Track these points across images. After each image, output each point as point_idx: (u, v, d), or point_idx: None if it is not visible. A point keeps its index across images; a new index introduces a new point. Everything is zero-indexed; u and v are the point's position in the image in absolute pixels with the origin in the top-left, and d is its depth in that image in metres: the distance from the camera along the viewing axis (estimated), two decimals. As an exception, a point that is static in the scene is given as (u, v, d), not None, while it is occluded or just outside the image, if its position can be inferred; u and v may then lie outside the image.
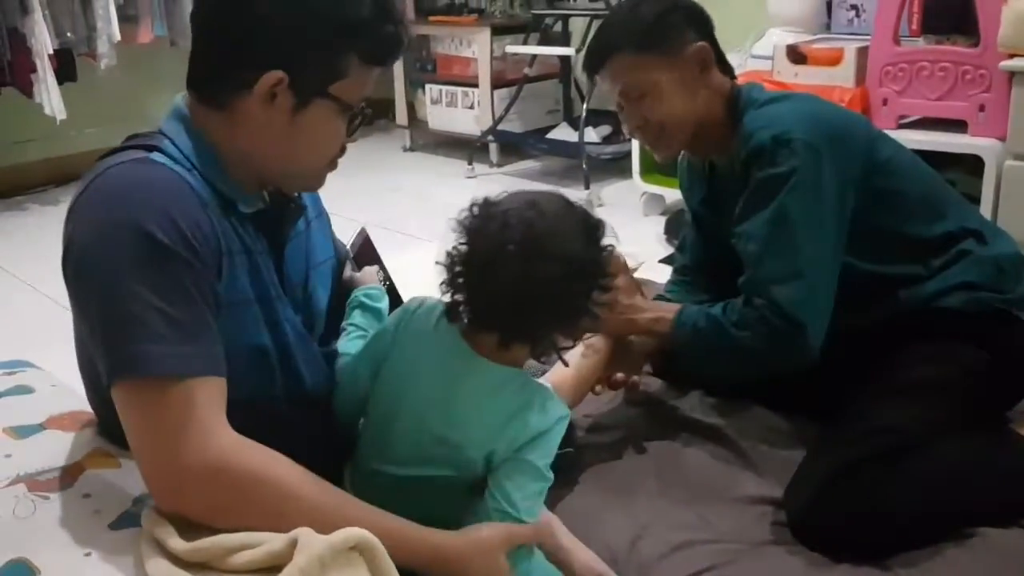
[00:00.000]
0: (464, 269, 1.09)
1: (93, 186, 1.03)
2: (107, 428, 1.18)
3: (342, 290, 1.36)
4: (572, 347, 1.14)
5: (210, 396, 0.98)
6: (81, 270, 1.01)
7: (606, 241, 1.12)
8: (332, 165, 1.18)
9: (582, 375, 1.55)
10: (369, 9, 1.08)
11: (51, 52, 3.40)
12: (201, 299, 1.00)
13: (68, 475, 1.09)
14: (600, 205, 3.50)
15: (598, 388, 1.63)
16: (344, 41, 1.08)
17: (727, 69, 1.59)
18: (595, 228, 1.11)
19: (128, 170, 1.04)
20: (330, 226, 1.39)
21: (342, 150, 1.17)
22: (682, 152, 1.73)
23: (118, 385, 0.98)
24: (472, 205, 1.12)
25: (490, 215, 1.09)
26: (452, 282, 1.10)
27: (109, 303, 0.98)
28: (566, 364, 1.18)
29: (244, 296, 1.09)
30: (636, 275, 2.45)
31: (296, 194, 1.24)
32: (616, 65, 1.53)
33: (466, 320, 1.12)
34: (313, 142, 1.12)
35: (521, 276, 1.05)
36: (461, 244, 1.10)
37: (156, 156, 1.06)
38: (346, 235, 1.55)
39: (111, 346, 0.98)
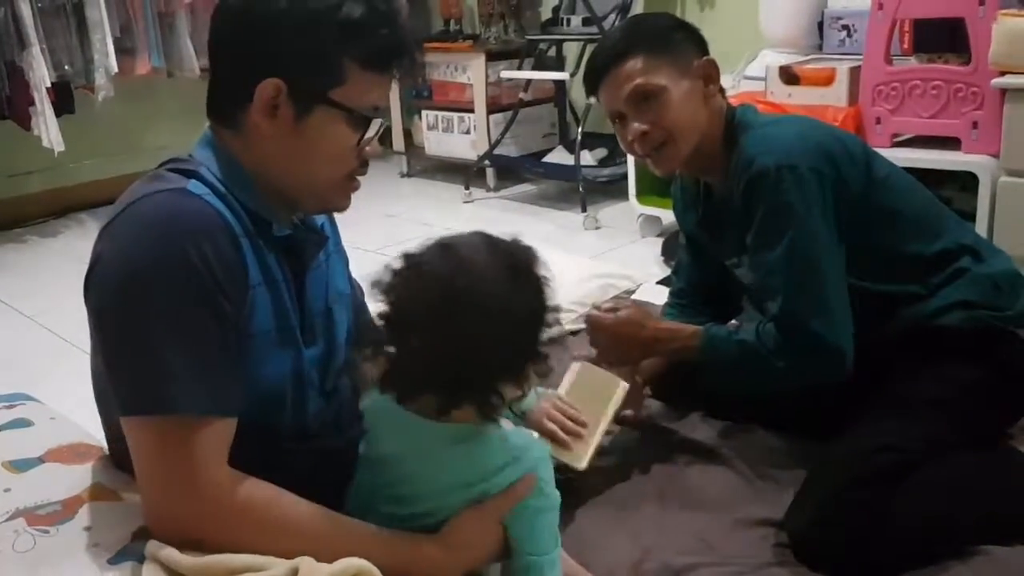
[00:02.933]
0: (388, 334, 1.02)
1: (129, 213, 1.03)
2: (119, 460, 1.18)
3: (359, 327, 1.33)
4: (522, 397, 1.07)
5: (215, 436, 1.00)
6: (105, 298, 1.02)
7: (542, 274, 1.04)
8: (352, 181, 1.16)
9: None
10: (362, 12, 1.07)
11: (49, 85, 3.42)
12: (223, 338, 1.01)
13: (68, 509, 1.09)
14: (597, 227, 3.51)
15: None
16: (337, 45, 1.07)
17: (721, 90, 1.60)
18: (525, 265, 1.04)
19: (165, 201, 1.03)
20: (347, 264, 1.37)
21: (364, 164, 1.15)
22: (676, 174, 1.73)
23: (130, 419, 1.00)
24: (390, 264, 1.04)
25: (407, 274, 1.03)
26: (377, 349, 1.04)
27: (131, 336, 0.99)
28: (520, 416, 1.11)
29: (266, 327, 1.09)
30: (634, 296, 2.47)
31: (318, 222, 1.25)
32: (627, 69, 1.53)
33: (399, 387, 1.05)
34: (321, 151, 1.11)
35: (449, 336, 0.98)
36: (382, 308, 1.03)
37: (193, 186, 1.06)
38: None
39: (128, 379, 1.00)
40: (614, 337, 1.60)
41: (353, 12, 1.07)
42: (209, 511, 0.98)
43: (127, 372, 1.01)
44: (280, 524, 1.01)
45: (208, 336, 1.00)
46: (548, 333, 1.05)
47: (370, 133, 1.13)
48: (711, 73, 1.56)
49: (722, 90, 1.60)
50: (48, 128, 3.44)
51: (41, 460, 1.21)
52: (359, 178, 1.17)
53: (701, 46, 1.58)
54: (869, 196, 1.50)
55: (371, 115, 1.12)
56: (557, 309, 1.06)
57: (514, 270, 1.02)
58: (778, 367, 1.47)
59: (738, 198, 1.50)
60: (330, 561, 0.95)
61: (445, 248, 1.03)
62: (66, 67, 3.55)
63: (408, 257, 1.04)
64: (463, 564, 1.07)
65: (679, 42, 1.56)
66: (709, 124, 1.55)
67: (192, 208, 1.03)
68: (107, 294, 1.02)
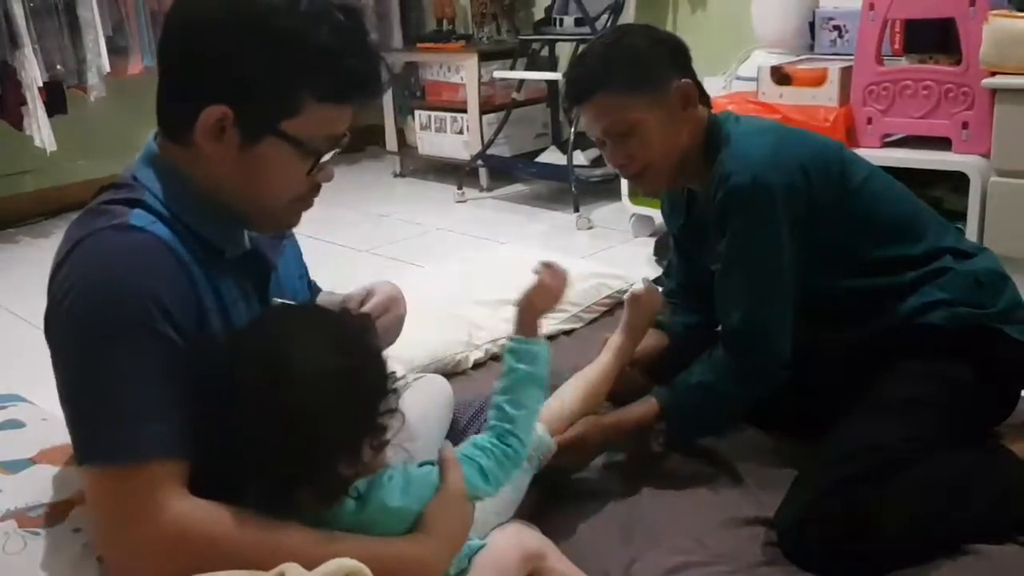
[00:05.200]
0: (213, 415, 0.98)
1: (75, 256, 1.00)
2: None
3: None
4: (357, 476, 1.03)
5: (168, 478, 0.96)
6: (55, 344, 1.00)
7: (371, 344, 1.04)
8: (305, 203, 1.13)
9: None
10: (327, 40, 1.01)
11: (41, 85, 3.42)
12: (175, 377, 0.98)
13: (58, 510, 1.09)
14: (590, 227, 3.52)
15: None
16: (293, 77, 1.01)
17: (705, 99, 1.59)
18: (352, 336, 1.03)
19: (108, 240, 1.00)
20: (301, 259, 1.36)
21: (316, 188, 1.12)
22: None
23: (83, 469, 0.98)
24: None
25: (233, 348, 1.01)
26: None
27: (80, 382, 0.98)
28: (351, 495, 1.03)
29: None
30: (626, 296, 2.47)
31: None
32: (601, 103, 1.52)
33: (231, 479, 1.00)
34: (267, 180, 1.07)
35: (274, 410, 0.95)
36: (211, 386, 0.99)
37: (137, 217, 1.02)
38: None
39: (79, 427, 0.98)
40: (575, 453, 1.55)
41: (318, 39, 1.01)
42: (172, 562, 0.94)
43: (77, 422, 0.99)
44: (257, 552, 0.96)
45: (161, 377, 0.97)
46: (386, 405, 1.03)
47: (323, 160, 1.09)
48: (688, 95, 1.53)
49: (705, 97, 1.59)
50: (40, 128, 3.44)
51: (32, 461, 1.21)
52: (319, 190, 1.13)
53: (680, 64, 1.55)
54: (844, 205, 1.51)
55: (323, 147, 1.07)
56: (392, 378, 1.04)
57: (339, 341, 1.01)
58: (731, 392, 1.52)
59: (714, 211, 1.51)
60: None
61: (267, 321, 1.03)
62: (58, 67, 3.55)
63: (235, 333, 1.03)
64: (448, 552, 1.08)
65: (655, 68, 1.52)
66: (690, 141, 1.55)
67: (136, 243, 1.00)
68: (56, 340, 1.00)
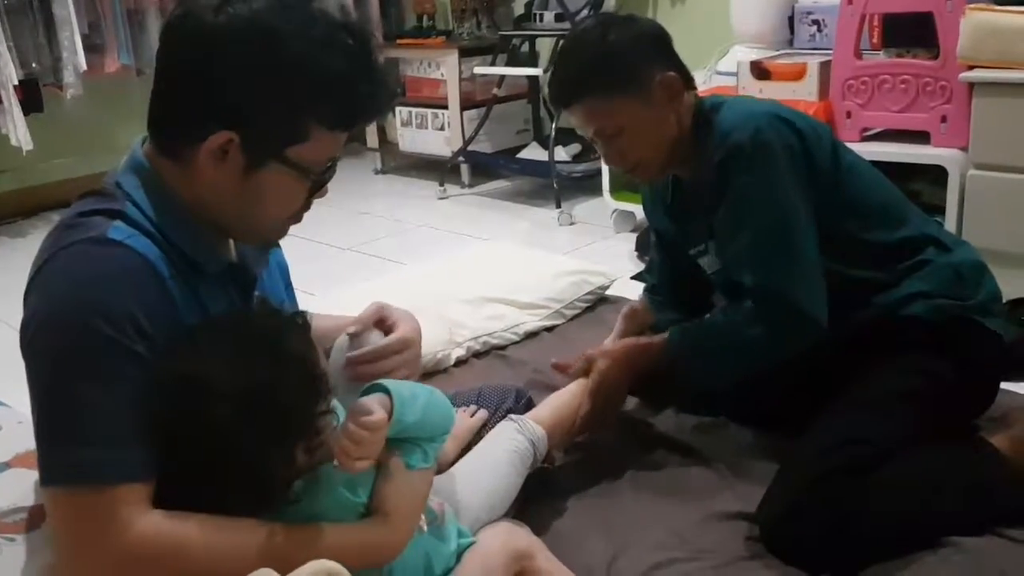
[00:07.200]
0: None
1: (48, 270, 0.99)
2: None
3: None
4: (294, 478, 1.02)
5: (132, 499, 0.94)
6: (29, 359, 0.99)
7: (293, 349, 1.01)
8: (295, 219, 1.13)
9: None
10: (338, 68, 1.00)
11: (16, 83, 3.39)
12: (145, 396, 0.97)
13: (35, 516, 1.07)
14: (571, 223, 3.52)
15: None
16: (303, 104, 1.01)
17: (690, 84, 1.59)
18: (270, 344, 1.01)
19: (85, 254, 0.98)
20: (286, 275, 1.36)
21: (307, 205, 1.12)
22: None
23: (46, 489, 0.97)
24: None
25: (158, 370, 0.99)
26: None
27: (49, 399, 0.97)
28: (290, 498, 1.04)
29: None
30: (608, 292, 2.47)
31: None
32: (587, 107, 1.52)
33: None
34: (266, 203, 1.07)
35: (190, 436, 0.95)
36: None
37: (116, 230, 1.00)
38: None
39: (44, 447, 0.97)
40: (613, 386, 1.59)
41: (330, 66, 1.00)
42: (134, 565, 0.94)
43: (43, 443, 0.97)
44: (228, 554, 0.96)
45: (132, 396, 0.96)
46: (315, 408, 1.02)
47: (318, 188, 1.09)
48: (672, 86, 1.53)
49: (692, 85, 1.59)
50: (16, 127, 3.40)
51: (8, 465, 1.20)
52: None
53: (662, 55, 1.55)
54: (836, 180, 1.52)
55: (325, 172, 1.08)
56: (323, 380, 1.03)
57: (255, 354, 1.00)
58: (753, 334, 1.48)
59: (712, 172, 1.50)
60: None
61: (189, 339, 1.01)
62: (34, 65, 3.52)
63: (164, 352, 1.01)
64: (408, 527, 1.08)
65: (638, 64, 1.51)
66: (679, 128, 1.55)
67: (112, 258, 0.98)
68: (27, 356, 0.99)
